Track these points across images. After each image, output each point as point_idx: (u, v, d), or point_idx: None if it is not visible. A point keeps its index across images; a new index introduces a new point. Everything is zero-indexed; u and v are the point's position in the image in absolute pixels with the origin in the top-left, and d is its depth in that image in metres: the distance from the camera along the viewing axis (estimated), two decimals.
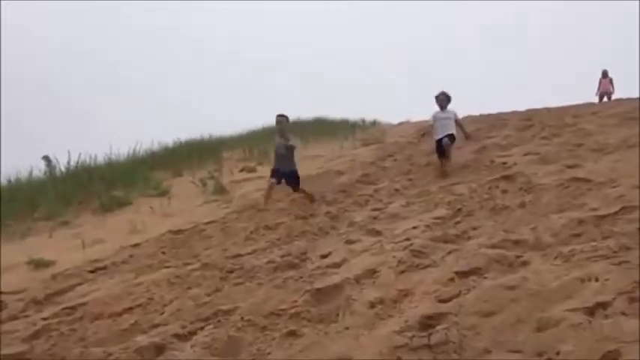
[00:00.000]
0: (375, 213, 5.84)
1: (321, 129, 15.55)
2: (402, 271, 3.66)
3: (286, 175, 7.26)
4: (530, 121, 10.62)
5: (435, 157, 8.01)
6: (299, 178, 7.40)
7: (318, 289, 3.63)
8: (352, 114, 19.33)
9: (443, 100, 7.85)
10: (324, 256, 4.51)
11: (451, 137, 7.67)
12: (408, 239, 4.37)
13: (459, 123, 7.91)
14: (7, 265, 5.96)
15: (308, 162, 11.17)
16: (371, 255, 4.22)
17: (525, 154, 7.35)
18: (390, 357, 2.53)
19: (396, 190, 6.93)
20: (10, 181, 10.34)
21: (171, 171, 11.21)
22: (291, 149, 7.36)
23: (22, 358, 3.47)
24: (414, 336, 2.62)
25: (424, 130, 9.60)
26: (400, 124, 16.78)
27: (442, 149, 7.61)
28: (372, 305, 3.20)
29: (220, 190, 9.14)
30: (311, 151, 12.72)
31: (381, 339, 2.71)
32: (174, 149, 13.37)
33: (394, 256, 3.93)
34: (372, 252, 4.28)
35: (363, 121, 18.19)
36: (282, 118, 7.44)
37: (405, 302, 3.19)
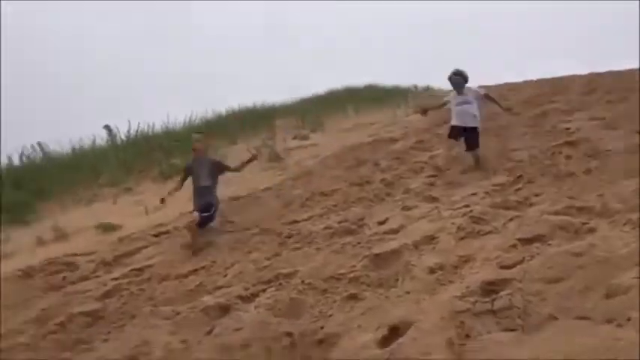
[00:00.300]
0: (431, 180, 5.80)
1: (373, 96, 15.43)
2: (462, 238, 3.64)
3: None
4: (592, 85, 10.22)
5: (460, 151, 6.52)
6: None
7: (377, 255, 3.66)
8: (403, 80, 19.09)
9: (458, 81, 6.37)
10: (381, 223, 4.53)
11: (475, 133, 6.23)
12: (467, 206, 4.33)
13: (490, 99, 6.55)
14: (76, 228, 6.26)
15: (360, 129, 11.15)
16: (429, 221, 4.20)
17: (590, 119, 7.10)
18: (453, 321, 2.54)
19: (453, 157, 6.84)
20: (74, 149, 10.75)
21: (226, 139, 11.37)
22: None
23: (96, 316, 3.67)
24: (476, 301, 2.62)
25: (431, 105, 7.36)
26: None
27: (456, 135, 6.27)
28: (432, 271, 3.21)
29: (275, 157, 9.24)
30: (363, 118, 12.67)
31: (443, 304, 2.72)
32: (228, 118, 13.55)
33: (453, 223, 3.91)
34: (430, 218, 4.27)
35: (416, 87, 17.93)
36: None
37: (466, 268, 3.18)
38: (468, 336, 2.44)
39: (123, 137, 11.43)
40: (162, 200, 5.48)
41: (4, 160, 10.17)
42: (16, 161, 10.12)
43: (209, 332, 2.98)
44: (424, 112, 6.95)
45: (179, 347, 2.87)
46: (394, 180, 6.10)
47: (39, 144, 10.41)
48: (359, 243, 4.04)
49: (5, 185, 8.63)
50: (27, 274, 4.81)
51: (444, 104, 6.55)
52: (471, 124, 6.23)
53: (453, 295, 2.77)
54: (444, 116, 10.61)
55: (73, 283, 4.50)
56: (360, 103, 13.95)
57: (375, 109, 13.58)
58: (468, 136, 6.23)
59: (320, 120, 12.41)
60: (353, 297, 3.10)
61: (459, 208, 4.36)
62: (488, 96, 6.49)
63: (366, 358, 2.43)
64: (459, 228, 3.77)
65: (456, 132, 6.31)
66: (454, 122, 6.36)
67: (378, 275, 3.40)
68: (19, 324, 3.80)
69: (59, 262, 5.02)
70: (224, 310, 3.31)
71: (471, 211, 4.07)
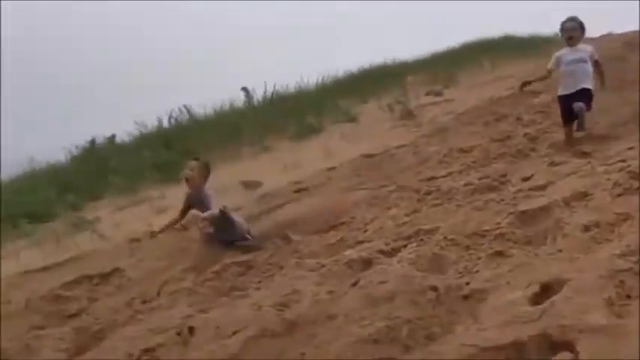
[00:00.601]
0: (580, 134, 5.42)
1: (510, 47, 14.61)
2: (619, 194, 3.37)
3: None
4: None
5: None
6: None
7: (523, 212, 3.51)
8: (543, 28, 17.77)
9: (572, 27, 5.05)
10: (525, 179, 4.34)
11: (586, 94, 4.99)
12: (623, 161, 4.00)
13: (599, 68, 5.18)
14: (222, 185, 6.66)
15: (498, 83, 10.64)
16: (579, 177, 3.95)
17: None
18: (612, 281, 2.39)
19: (603, 109, 6.32)
20: (216, 111, 11.40)
21: (358, 98, 11.43)
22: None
23: (246, 265, 3.91)
24: (638, 260, 2.44)
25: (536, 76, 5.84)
26: (602, 36, 15.08)
27: (572, 112, 4.99)
28: (587, 229, 3.02)
29: (408, 114, 9.15)
30: (500, 71, 12.08)
31: (600, 262, 2.56)
32: (359, 76, 13.58)
33: (608, 179, 3.64)
34: (581, 174, 4.01)
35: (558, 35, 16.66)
36: None
37: (625, 226, 2.96)
38: (628, 296, 2.29)
39: (259, 99, 11.91)
40: (153, 234, 4.72)
41: (155, 122, 11.05)
42: (165, 123, 10.94)
43: (354, 284, 3.05)
44: (524, 85, 5.70)
45: (326, 297, 2.97)
46: (538, 134, 5.79)
47: (185, 107, 11.15)
48: (502, 200, 3.90)
49: (157, 146, 9.39)
50: (183, 227, 5.23)
51: (550, 72, 5.29)
52: (583, 85, 4.98)
53: (612, 254, 2.60)
54: None
55: None
56: (497, 55, 13.28)
57: (513, 60, 12.86)
58: (577, 99, 4.89)
59: (454, 75, 12.02)
60: (499, 254, 3.02)
61: (614, 163, 4.04)
62: (598, 63, 5.18)
63: (516, 315, 2.37)
64: (615, 184, 3.50)
65: (566, 104, 4.99)
66: (565, 90, 5.10)
67: (524, 232, 3.27)
68: (179, 271, 4.17)
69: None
70: (367, 263, 3.38)
71: (628, 166, 3.76)
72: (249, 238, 4.51)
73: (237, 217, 4.60)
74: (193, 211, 4.60)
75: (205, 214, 4.40)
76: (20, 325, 3.86)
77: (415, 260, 3.21)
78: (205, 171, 4.89)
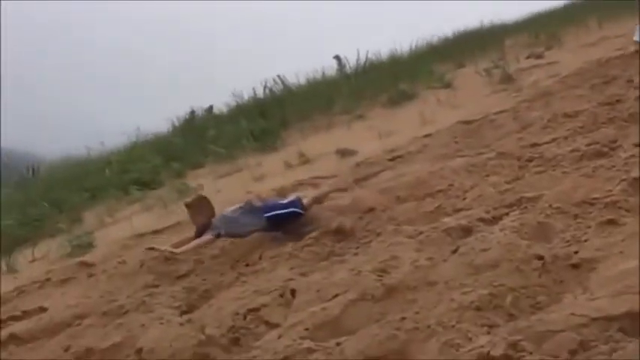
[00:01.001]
0: None
1: (620, 4, 13.55)
2: None
3: None
4: None
5: None
6: None
7: (636, 178, 3.31)
8: None
9: None
10: (638, 145, 4.06)
11: None
12: None
13: None
14: (317, 153, 6.77)
15: (606, 43, 9.95)
16: None
17: None
18: None
19: None
20: (309, 80, 11.49)
21: (453, 62, 11.10)
22: None
23: (344, 232, 3.97)
24: None
25: None
26: None
27: None
28: None
29: (507, 78, 8.77)
30: (608, 30, 11.27)
31: None
32: (454, 41, 13.15)
33: None
34: None
35: None
36: None
37: None
38: None
39: (352, 66, 11.86)
40: (172, 254, 4.39)
41: (250, 93, 11.33)
42: (260, 93, 11.18)
43: (454, 251, 3.03)
44: None
45: (425, 264, 2.97)
46: None
47: (279, 77, 11.32)
48: (613, 166, 3.69)
49: (253, 115, 9.63)
50: (280, 193, 5.37)
51: None
52: None
53: None
54: None
55: (321, 202, 4.90)
56: (604, 13, 12.37)
57: (622, 19, 11.94)
58: None
59: (556, 36, 11.35)
60: (611, 222, 2.87)
61: None
62: None
63: (629, 285, 2.26)
64: None
65: None
66: None
67: (638, 200, 3.09)
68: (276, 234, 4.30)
69: (306, 184, 5.50)
70: (466, 231, 3.33)
71: None
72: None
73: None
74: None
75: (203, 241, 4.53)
76: (136, 284, 4.16)
77: (519, 228, 3.12)
78: (202, 208, 4.78)
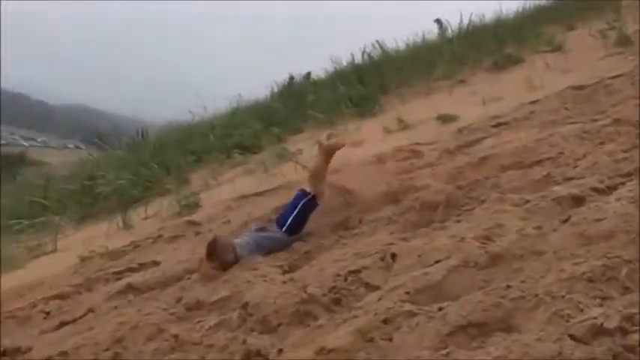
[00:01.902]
0: None
1: None
2: None
3: None
4: None
5: None
6: None
7: None
8: None
9: None
10: None
11: None
12: None
13: None
14: (417, 119, 6.66)
15: None
16: None
17: None
18: None
19: None
20: (408, 45, 11.28)
21: (564, 24, 10.45)
22: None
23: (446, 199, 3.91)
24: None
25: None
26: None
27: None
28: None
29: (624, 40, 8.14)
30: None
31: None
32: (564, 1, 12.35)
33: None
34: None
35: None
36: None
37: None
38: None
39: (454, 30, 11.49)
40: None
41: (349, 58, 11.29)
42: (358, 59, 11.12)
43: (564, 221, 2.90)
44: None
45: (533, 232, 2.87)
46: None
47: (377, 42, 11.19)
48: None
49: (351, 81, 9.61)
50: (379, 159, 5.36)
51: None
52: None
53: None
54: None
55: (420, 168, 4.84)
56: None
57: None
58: None
59: None
60: None
61: None
62: None
63: None
64: None
65: None
66: None
67: None
68: (378, 202, 4.30)
69: (406, 150, 5.44)
70: (578, 200, 3.17)
71: None
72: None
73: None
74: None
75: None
76: None
77: (636, 199, 2.93)
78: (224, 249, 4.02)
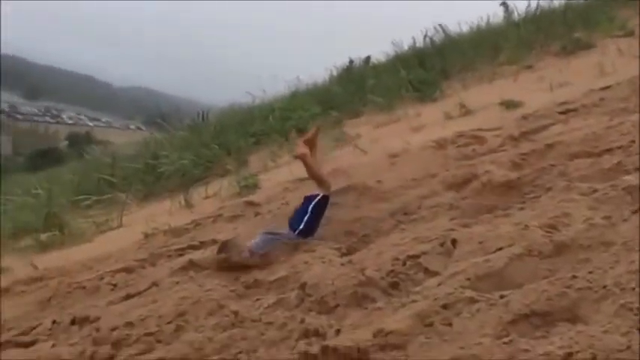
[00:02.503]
0: None
1: None
2: None
3: None
4: None
5: None
6: None
7: None
8: None
9: None
10: None
11: None
12: None
13: None
14: (480, 105, 6.52)
15: None
16: None
17: None
18: None
19: None
20: (472, 28, 11.01)
21: (636, 8, 9.95)
22: None
23: (508, 186, 3.82)
24: None
25: None
26: None
27: None
28: None
29: None
30: None
31: None
32: None
33: None
34: None
35: None
36: None
37: None
38: None
39: (520, 14, 11.13)
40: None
41: (409, 42, 11.14)
42: (419, 43, 10.95)
43: (635, 211, 2.79)
44: None
45: (602, 222, 2.77)
46: None
47: (440, 25, 10.98)
48: None
49: (412, 65, 9.48)
50: (440, 145, 5.28)
51: None
52: None
53: None
54: None
55: (482, 154, 4.74)
56: None
57: None
58: None
59: None
60: None
61: None
62: None
63: None
64: None
65: None
66: None
67: None
68: (438, 187, 4.26)
69: (467, 136, 5.34)
70: None
71: None
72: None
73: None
74: None
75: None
76: None
77: None
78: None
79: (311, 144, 4.43)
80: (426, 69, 9.05)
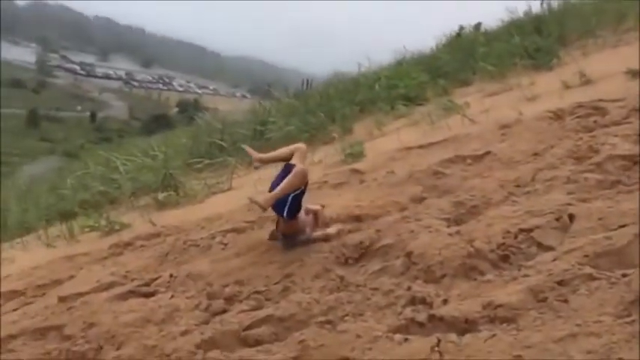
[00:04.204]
0: None
1: None
2: None
3: None
4: None
5: None
6: None
7: None
8: None
9: None
10: None
11: None
12: None
13: None
14: (601, 74, 6.09)
15: None
16: None
17: None
18: None
19: None
20: None
21: None
22: None
23: (632, 160, 3.57)
24: None
25: None
26: None
27: None
28: None
29: None
30: None
31: None
32: None
33: None
34: None
35: None
36: None
37: None
38: None
39: None
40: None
41: (524, 7, 10.57)
42: (535, 9, 10.37)
43: None
44: None
45: None
46: None
47: None
48: None
49: (528, 32, 9.01)
50: (557, 115, 5.01)
51: None
52: None
53: None
54: None
55: (605, 126, 4.45)
56: None
57: None
58: None
59: None
60: None
61: None
62: None
63: None
64: None
65: None
66: None
67: None
68: (554, 159, 4.05)
69: (587, 107, 5.01)
70: None
71: None
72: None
73: None
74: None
75: None
76: (404, 193, 4.36)
77: None
78: None
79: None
80: (542, 36, 8.55)
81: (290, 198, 3.84)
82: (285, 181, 3.81)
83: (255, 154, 4.21)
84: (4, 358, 3.62)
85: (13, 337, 3.90)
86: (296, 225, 4.01)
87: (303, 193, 3.93)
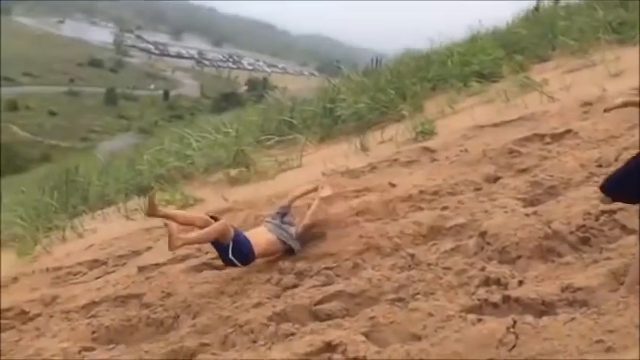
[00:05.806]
0: None
1: None
2: None
3: None
4: None
5: None
6: None
7: None
8: None
9: None
10: None
11: None
12: None
13: None
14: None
15: None
16: None
17: None
18: None
19: None
20: None
21: None
22: None
23: None
24: None
25: None
26: None
27: None
28: None
29: None
30: None
31: None
32: None
33: None
34: None
35: None
36: None
37: None
38: None
39: None
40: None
41: None
42: None
43: None
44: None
45: None
46: None
47: None
48: None
49: (612, 5, 8.52)
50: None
51: None
52: None
53: None
54: None
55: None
56: None
57: None
58: None
59: None
60: None
61: None
62: None
63: None
64: None
65: None
66: None
67: None
68: (636, 137, 3.85)
69: None
70: None
71: None
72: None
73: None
74: None
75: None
76: (478, 172, 4.26)
77: None
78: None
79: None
80: (627, 9, 8.05)
81: (230, 247, 3.71)
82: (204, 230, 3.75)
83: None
84: (87, 323, 3.84)
85: (96, 303, 4.14)
86: (273, 247, 3.96)
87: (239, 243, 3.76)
